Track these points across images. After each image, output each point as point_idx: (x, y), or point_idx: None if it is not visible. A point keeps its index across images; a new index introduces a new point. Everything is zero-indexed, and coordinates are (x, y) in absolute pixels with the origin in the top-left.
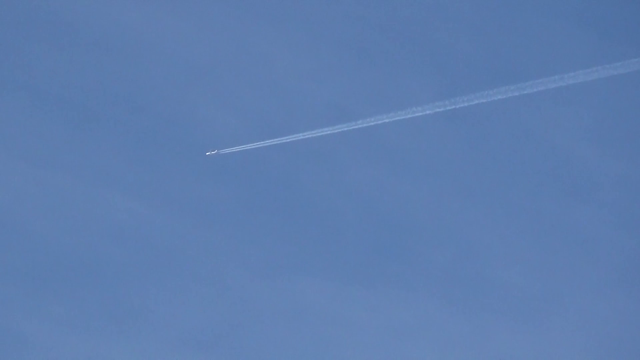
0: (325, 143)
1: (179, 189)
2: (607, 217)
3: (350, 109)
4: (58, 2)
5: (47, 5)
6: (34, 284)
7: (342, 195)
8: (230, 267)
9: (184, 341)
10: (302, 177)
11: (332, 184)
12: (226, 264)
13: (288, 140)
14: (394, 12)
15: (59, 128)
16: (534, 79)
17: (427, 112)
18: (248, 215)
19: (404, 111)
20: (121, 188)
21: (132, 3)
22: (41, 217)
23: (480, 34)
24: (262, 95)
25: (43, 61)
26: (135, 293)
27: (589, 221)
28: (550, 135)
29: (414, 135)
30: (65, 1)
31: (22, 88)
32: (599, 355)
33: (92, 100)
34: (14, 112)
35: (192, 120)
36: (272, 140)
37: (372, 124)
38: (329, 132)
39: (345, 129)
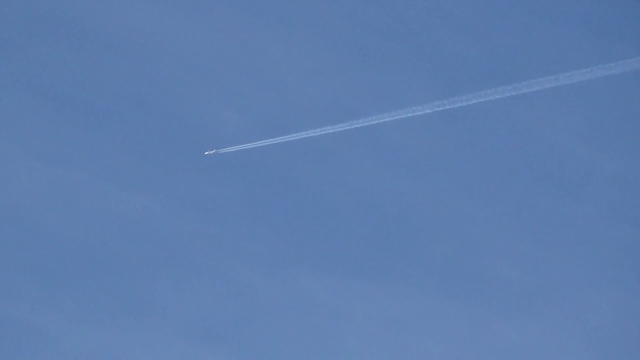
0: (328, 141)
1: (187, 186)
2: (601, 212)
3: (351, 108)
4: (71, 5)
5: (59, 7)
6: (47, 278)
7: (344, 192)
8: (236, 261)
9: (191, 332)
10: (305, 175)
11: (334, 180)
12: (232, 258)
13: (291, 139)
14: (395, 14)
15: (69, 126)
16: (530, 79)
17: (427, 111)
18: (253, 211)
19: (404, 110)
20: (130, 184)
21: (139, 5)
22: (53, 213)
23: (478, 36)
24: (266, 94)
25: (54, 62)
26: (145, 286)
27: (583, 217)
28: (546, 133)
29: (414, 133)
30: (78, 4)
31: (34, 88)
32: (593, 346)
33: (102, 99)
34: (25, 111)
35: (197, 119)
36: (275, 138)
37: (373, 122)
38: (331, 130)
39: (347, 127)
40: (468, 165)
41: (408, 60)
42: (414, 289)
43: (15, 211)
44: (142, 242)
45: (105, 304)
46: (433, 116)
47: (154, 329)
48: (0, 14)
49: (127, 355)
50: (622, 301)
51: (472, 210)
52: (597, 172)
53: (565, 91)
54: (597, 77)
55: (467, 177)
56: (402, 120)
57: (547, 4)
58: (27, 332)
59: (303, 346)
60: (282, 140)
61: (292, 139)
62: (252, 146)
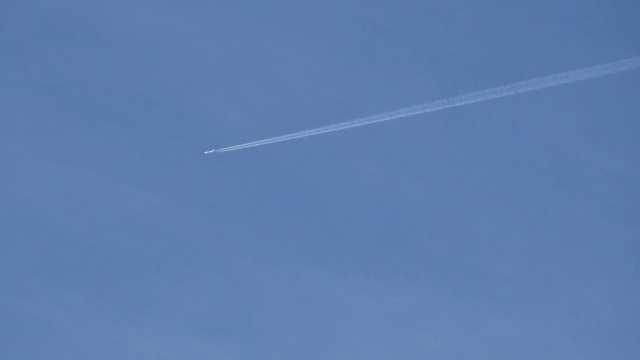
0: (330, 140)
1: (192, 183)
2: (598, 209)
3: (353, 107)
4: (78, 7)
5: (67, 9)
6: (55, 273)
7: (345, 189)
8: (240, 257)
9: (196, 326)
10: (307, 172)
11: (336, 178)
12: (236, 254)
13: (293, 137)
14: (396, 16)
15: (77, 125)
16: (528, 78)
17: (427, 110)
18: (257, 208)
19: (405, 109)
20: (137, 182)
21: (145, 7)
22: (62, 210)
23: (477, 37)
24: (269, 93)
25: (62, 62)
26: (151, 282)
27: (580, 213)
28: (544, 132)
29: (414, 132)
30: (85, 7)
31: (43, 88)
32: (589, 340)
33: (109, 98)
34: (34, 110)
35: (202, 118)
36: (278, 137)
37: (374, 121)
38: (333, 129)
39: (349, 126)
40: (467, 163)
41: (409, 61)
42: (413, 284)
43: (25, 209)
44: (149, 239)
45: (113, 299)
46: (433, 115)
47: (160, 323)
48: (11, 16)
49: (133, 349)
50: (618, 297)
51: (471, 207)
52: (594, 170)
53: (563, 91)
54: (594, 77)
55: (467, 175)
56: (403, 119)
57: (544, 6)
58: (36, 326)
59: (306, 339)
60: (285, 139)
61: (295, 137)
62: (252, 145)
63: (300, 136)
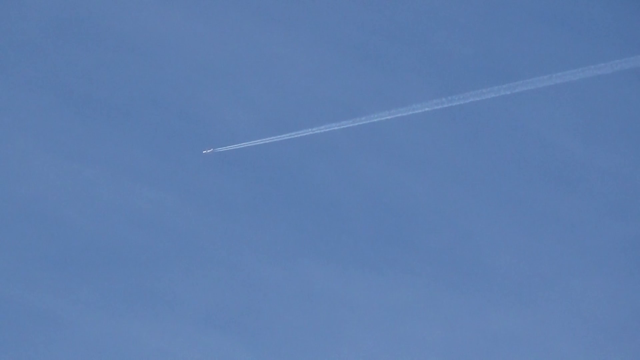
0: (332, 138)
1: (197, 180)
2: (593, 206)
3: (354, 106)
4: (86, 9)
5: (76, 11)
6: (65, 268)
7: (347, 186)
8: (244, 252)
9: (202, 320)
10: (310, 170)
11: (337, 175)
12: (241, 249)
13: (296, 136)
14: (397, 17)
15: (86, 124)
16: (524, 78)
17: (426, 109)
18: (261, 204)
19: (405, 108)
20: (143, 179)
21: (151, 8)
22: (71, 206)
23: (475, 37)
24: (273, 93)
25: (71, 62)
26: (157, 276)
27: (576, 210)
28: (540, 130)
29: (414, 130)
30: (93, 8)
31: (52, 87)
32: (584, 332)
33: (117, 97)
34: (44, 109)
35: (207, 116)
36: (282, 135)
37: (375, 120)
38: (334, 127)
39: (350, 124)
40: (466, 160)
41: (409, 61)
42: (415, 278)
43: (35, 204)
44: (155, 234)
45: (120, 293)
46: (433, 114)
47: (166, 316)
48: (21, 19)
49: (140, 341)
50: (613, 291)
51: (471, 204)
52: (589, 168)
53: (559, 90)
54: (589, 76)
55: (466, 172)
56: (403, 118)
57: (541, 8)
58: (46, 320)
59: (308, 332)
60: (288, 137)
61: (297, 136)
62: (250, 145)
63: (303, 134)
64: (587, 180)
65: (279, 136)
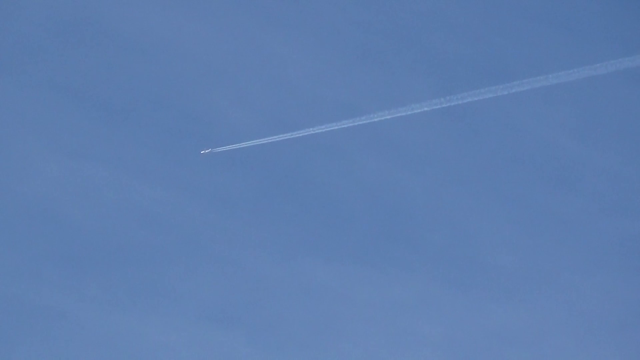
0: (332, 137)
1: (200, 179)
2: (589, 204)
3: (355, 105)
4: (90, 10)
5: (80, 12)
6: (70, 265)
7: (347, 184)
8: (246, 249)
9: (204, 315)
10: (311, 168)
11: (338, 174)
12: (242, 246)
13: (298, 135)
14: (396, 18)
15: (90, 123)
16: (521, 78)
17: (425, 108)
18: (262, 202)
19: (404, 108)
20: (147, 177)
21: (154, 9)
22: (76, 204)
23: (474, 39)
24: (274, 93)
25: (75, 63)
26: (161, 273)
27: (572, 208)
28: (536, 129)
29: (413, 129)
30: (97, 10)
31: (57, 87)
32: (581, 328)
33: (120, 97)
34: (49, 109)
35: (209, 116)
36: (282, 135)
37: (375, 119)
38: (335, 127)
39: (351, 124)
40: (464, 159)
41: (407, 61)
42: (414, 275)
43: (40, 203)
44: (159, 232)
45: (124, 289)
46: (431, 113)
47: (170, 312)
48: (28, 21)
49: (144, 336)
50: (609, 287)
51: (468, 202)
52: (586, 166)
53: (555, 90)
54: (584, 77)
55: (464, 171)
56: (402, 117)
57: (538, 9)
58: (52, 315)
59: (309, 328)
60: (289, 137)
61: (298, 135)
62: (248, 145)
63: (304, 134)
64: (583, 178)
65: (279, 136)
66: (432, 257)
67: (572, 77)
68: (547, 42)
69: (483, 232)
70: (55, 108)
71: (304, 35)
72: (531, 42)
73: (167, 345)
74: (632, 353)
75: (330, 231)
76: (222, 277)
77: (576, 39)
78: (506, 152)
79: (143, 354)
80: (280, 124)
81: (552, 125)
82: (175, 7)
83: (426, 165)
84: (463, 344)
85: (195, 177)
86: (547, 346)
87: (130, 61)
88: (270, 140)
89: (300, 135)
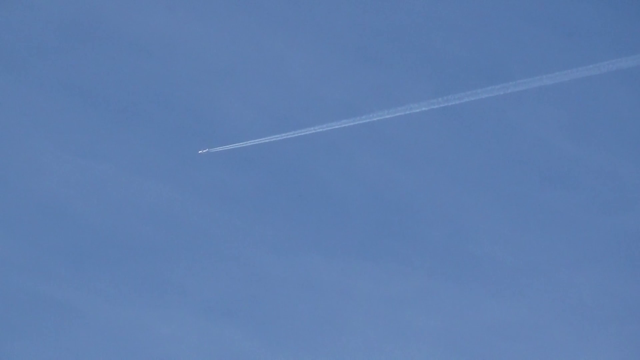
0: (333, 136)
1: (204, 176)
2: (583, 201)
3: (355, 105)
4: (98, 11)
5: (88, 13)
6: (79, 260)
7: (348, 182)
8: (249, 245)
9: (209, 310)
10: (312, 167)
11: (339, 171)
12: (246, 242)
13: (300, 134)
14: (395, 19)
15: (98, 122)
16: (518, 79)
17: (424, 108)
18: (265, 199)
19: (403, 107)
20: (153, 174)
21: (159, 10)
22: (84, 201)
23: (471, 40)
24: (276, 93)
25: (83, 63)
26: (167, 268)
27: (567, 205)
28: (533, 129)
29: (412, 128)
30: (105, 11)
31: (65, 87)
32: (574, 321)
33: (127, 96)
34: (58, 108)
35: (212, 115)
36: (285, 133)
37: (375, 118)
38: (336, 126)
39: (351, 123)
40: (462, 157)
41: (407, 62)
42: (412, 270)
43: (50, 199)
44: (165, 228)
45: (132, 283)
46: (430, 113)
47: (175, 306)
48: (36, 23)
49: (151, 329)
50: (601, 282)
51: (466, 199)
52: (580, 165)
53: (550, 90)
54: (578, 78)
55: (461, 169)
56: (402, 117)
57: (534, 10)
58: (61, 310)
59: (310, 322)
60: (291, 136)
61: (300, 134)
62: (247, 145)
63: (305, 133)
64: (578, 176)
65: (281, 135)
66: (430, 252)
67: (568, 77)
68: (544, 43)
69: (480, 229)
70: (64, 107)
71: (304, 36)
72: (528, 43)
73: (172, 337)
74: (627, 347)
75: (331, 228)
76: (226, 272)
77: (572, 40)
78: (503, 151)
79: (148, 346)
80: (281, 123)
81: (548, 125)
82: (179, 8)
83: (425, 163)
84: (461, 337)
85: (200, 174)
86: (544, 340)
87: (136, 61)
88: (270, 140)
89: (301, 134)
